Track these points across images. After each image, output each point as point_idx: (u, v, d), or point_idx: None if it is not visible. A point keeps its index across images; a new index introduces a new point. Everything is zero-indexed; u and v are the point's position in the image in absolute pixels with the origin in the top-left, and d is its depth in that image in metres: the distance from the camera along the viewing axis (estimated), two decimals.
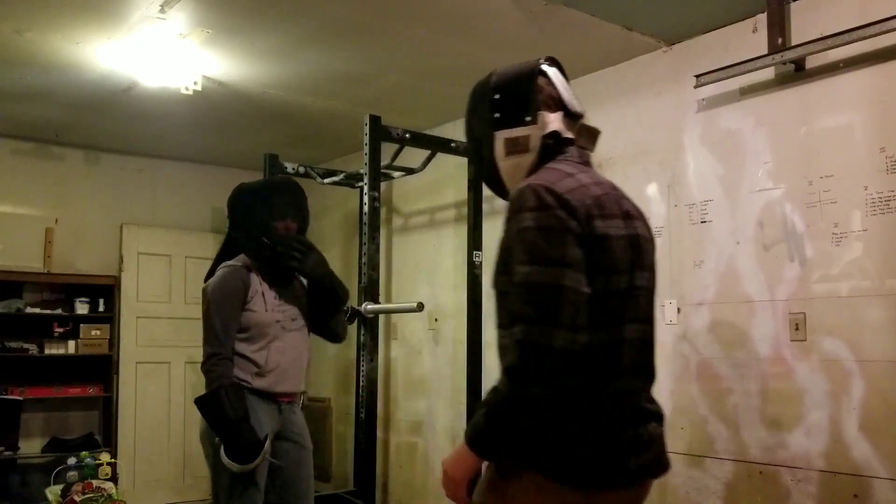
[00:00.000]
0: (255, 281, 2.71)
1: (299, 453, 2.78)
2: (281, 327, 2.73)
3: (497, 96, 1.72)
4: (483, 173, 1.81)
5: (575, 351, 1.43)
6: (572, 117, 1.70)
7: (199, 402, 2.57)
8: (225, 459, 2.52)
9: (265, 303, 2.71)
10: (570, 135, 1.68)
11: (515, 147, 1.67)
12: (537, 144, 1.66)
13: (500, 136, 1.69)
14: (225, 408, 2.50)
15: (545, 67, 1.72)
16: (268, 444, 2.56)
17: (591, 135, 1.74)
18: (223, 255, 2.83)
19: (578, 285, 1.45)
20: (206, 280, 2.78)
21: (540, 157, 1.66)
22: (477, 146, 1.78)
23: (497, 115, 1.70)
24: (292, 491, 2.72)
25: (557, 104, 1.69)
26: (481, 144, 1.75)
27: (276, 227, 2.72)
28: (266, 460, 2.56)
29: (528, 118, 1.67)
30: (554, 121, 1.67)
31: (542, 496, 1.49)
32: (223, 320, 2.62)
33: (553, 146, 1.66)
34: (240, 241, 2.78)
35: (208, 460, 2.68)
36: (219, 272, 2.72)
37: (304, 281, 2.89)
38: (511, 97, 1.70)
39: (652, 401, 1.68)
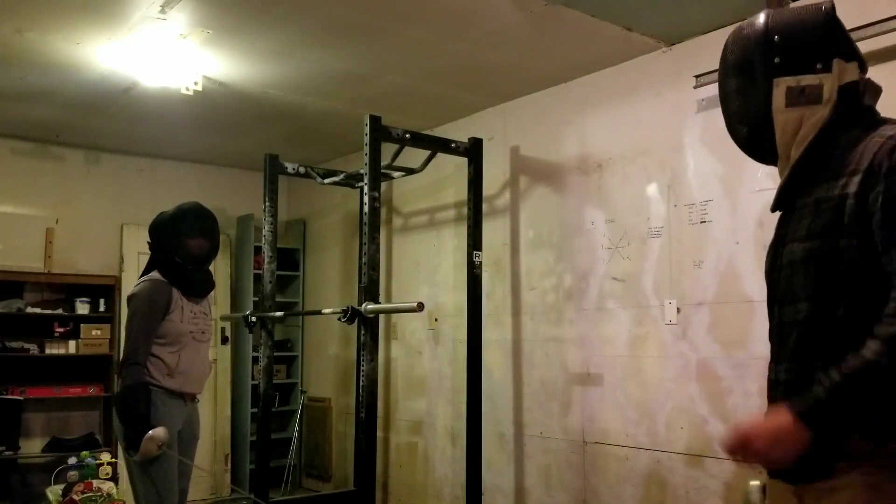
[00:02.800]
0: (177, 295, 3.10)
1: (191, 441, 3.22)
2: (192, 337, 3.14)
3: (777, 38, 1.49)
4: (742, 128, 1.56)
5: None
6: (862, 70, 1.50)
7: (114, 398, 3.03)
8: (122, 449, 2.94)
9: (182, 314, 3.11)
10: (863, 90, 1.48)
11: (802, 97, 1.45)
12: (833, 96, 1.44)
13: (782, 84, 1.47)
14: (133, 403, 2.90)
15: (832, 10, 1.50)
16: (159, 433, 2.87)
17: (876, 91, 1.53)
18: (144, 275, 3.21)
19: None
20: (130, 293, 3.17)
21: (836, 111, 1.44)
22: (740, 94, 1.54)
23: (777, 59, 1.48)
24: (179, 469, 3.11)
25: (852, 52, 1.49)
26: (749, 92, 1.52)
27: (189, 246, 3.13)
28: (166, 453, 2.92)
29: (820, 65, 1.45)
30: (851, 70, 1.46)
31: None
32: (144, 329, 3.01)
33: (854, 98, 1.46)
34: (157, 262, 3.16)
35: (128, 458, 3.01)
36: (144, 284, 3.10)
37: (212, 301, 3.39)
38: (797, 39, 1.48)
39: None
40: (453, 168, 4.78)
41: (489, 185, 4.51)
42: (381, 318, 5.01)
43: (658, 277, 3.67)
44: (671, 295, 3.59)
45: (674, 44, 3.68)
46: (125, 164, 5.95)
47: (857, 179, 1.35)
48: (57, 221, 5.63)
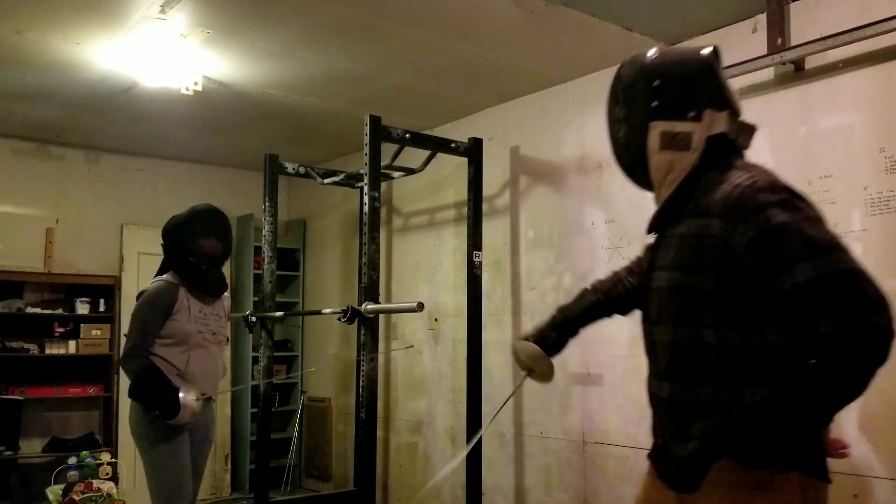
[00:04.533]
0: (183, 296, 3.13)
1: (204, 443, 3.26)
2: (203, 338, 3.16)
3: (657, 82, 1.59)
4: (625, 160, 1.68)
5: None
6: (734, 116, 1.60)
7: (130, 390, 3.03)
8: (167, 422, 2.96)
9: (189, 315, 3.13)
10: (732, 136, 1.59)
11: (674, 143, 1.56)
12: (701, 145, 1.55)
13: (658, 128, 1.57)
14: (146, 385, 2.97)
15: (712, 61, 1.59)
16: (189, 395, 2.95)
17: (750, 134, 1.64)
18: (159, 274, 3.27)
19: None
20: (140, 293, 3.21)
21: (702, 158, 1.55)
22: (622, 130, 1.65)
23: (655, 103, 1.58)
24: (193, 469, 3.16)
25: (724, 102, 1.58)
26: (630, 130, 1.63)
27: (202, 245, 3.17)
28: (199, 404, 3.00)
29: (693, 113, 1.55)
30: (721, 121, 1.57)
31: (808, 495, 1.43)
32: (144, 326, 3.05)
33: (719, 149, 1.56)
34: (172, 262, 3.21)
35: (144, 454, 3.07)
36: (154, 284, 3.16)
37: (228, 304, 3.43)
38: (673, 86, 1.57)
39: None
40: (453, 168, 4.78)
41: (489, 185, 4.51)
42: (381, 317, 5.01)
43: None
44: None
45: (674, 44, 3.67)
46: (125, 164, 5.95)
47: (716, 223, 1.46)
48: (57, 221, 5.63)
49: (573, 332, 1.98)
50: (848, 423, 2.92)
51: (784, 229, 1.38)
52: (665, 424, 1.59)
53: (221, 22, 3.47)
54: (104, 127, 5.21)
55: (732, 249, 1.43)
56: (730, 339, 1.45)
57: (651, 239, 1.73)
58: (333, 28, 3.56)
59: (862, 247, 2.93)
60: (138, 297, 3.16)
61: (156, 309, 3.07)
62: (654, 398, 1.63)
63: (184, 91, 4.00)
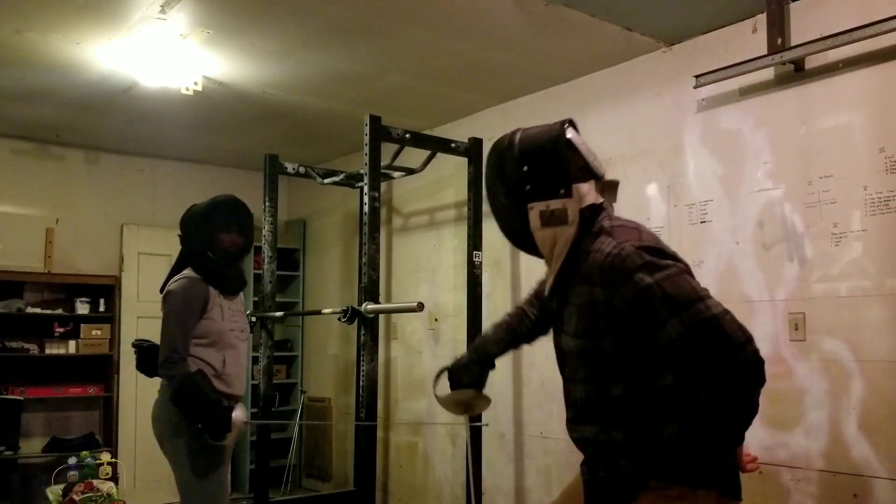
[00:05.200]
0: (213, 293, 2.96)
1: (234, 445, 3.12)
2: (234, 336, 3.02)
3: (526, 168, 1.71)
4: (513, 238, 1.81)
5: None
6: (597, 179, 1.75)
7: (174, 397, 2.80)
8: (209, 440, 2.78)
9: (222, 312, 2.98)
10: (601, 200, 1.74)
11: (552, 220, 1.69)
12: (576, 217, 1.68)
13: (535, 208, 1.70)
14: (194, 396, 2.76)
15: (570, 135, 1.73)
16: (240, 413, 2.81)
17: (613, 189, 1.80)
18: (175, 271, 3.05)
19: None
20: (162, 290, 3.02)
21: (580, 228, 1.69)
22: (504, 213, 1.78)
23: (528, 187, 1.71)
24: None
25: (587, 172, 1.73)
26: (510, 213, 1.75)
27: (223, 241, 3.00)
28: (243, 429, 2.87)
29: (563, 190, 1.69)
30: (589, 192, 1.72)
31: None
32: (183, 326, 2.87)
33: (592, 216, 1.70)
34: (189, 258, 3.01)
35: (173, 456, 2.90)
36: (181, 281, 2.94)
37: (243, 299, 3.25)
38: (542, 169, 1.71)
39: None
40: (453, 168, 4.78)
41: None
42: (381, 318, 5.00)
43: None
44: None
45: (674, 44, 3.68)
46: (125, 164, 5.95)
47: (598, 291, 1.62)
48: (57, 221, 5.63)
49: (492, 366, 2.14)
50: (848, 423, 2.92)
51: (651, 291, 1.55)
52: (590, 459, 1.75)
53: (221, 22, 3.47)
54: (104, 127, 5.21)
55: (618, 313, 1.60)
56: (634, 388, 1.63)
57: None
58: (333, 28, 3.56)
59: (862, 247, 2.93)
60: (164, 298, 2.95)
61: (193, 308, 2.89)
62: (579, 442, 1.78)
63: (184, 91, 4.00)
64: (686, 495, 1.60)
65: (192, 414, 2.78)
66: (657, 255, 1.60)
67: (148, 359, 3.11)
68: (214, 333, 2.93)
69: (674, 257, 1.63)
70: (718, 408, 1.55)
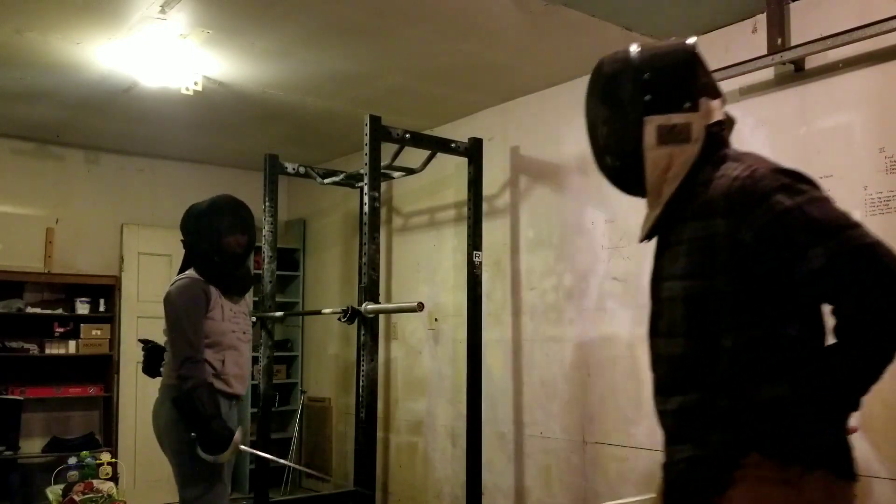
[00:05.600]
0: (215, 294, 2.95)
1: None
2: (236, 337, 3.00)
3: (647, 76, 1.52)
4: (608, 161, 1.61)
5: None
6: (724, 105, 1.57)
7: (177, 401, 2.79)
8: (200, 453, 2.75)
9: (223, 313, 2.96)
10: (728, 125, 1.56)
11: (672, 136, 1.50)
12: (701, 135, 1.49)
13: (653, 122, 1.50)
14: (203, 405, 2.74)
15: (697, 49, 1.56)
16: (238, 436, 2.80)
17: (731, 126, 1.60)
18: (181, 270, 3.05)
19: None
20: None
21: (704, 149, 1.49)
22: (609, 131, 1.58)
23: (648, 97, 1.51)
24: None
25: (716, 90, 1.55)
26: (620, 129, 1.56)
27: (227, 243, 2.98)
28: (236, 452, 2.81)
29: (688, 104, 1.50)
30: (717, 109, 1.53)
31: (834, 493, 1.40)
32: (194, 326, 2.85)
33: (718, 137, 1.52)
34: (194, 260, 3.00)
35: (174, 457, 2.91)
36: (182, 282, 2.95)
37: (250, 300, 3.26)
38: (667, 78, 1.52)
39: None
40: (453, 168, 4.78)
41: (489, 185, 4.51)
42: (381, 318, 5.00)
43: None
44: None
45: None
46: (125, 164, 5.95)
47: (721, 222, 1.41)
48: (57, 221, 5.63)
49: None
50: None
51: (790, 215, 1.34)
52: (671, 438, 1.54)
53: (221, 22, 3.47)
54: (104, 127, 5.21)
55: (743, 245, 1.38)
56: (749, 339, 1.40)
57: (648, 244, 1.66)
58: (333, 28, 3.56)
59: None
60: (166, 299, 2.93)
61: (198, 307, 2.88)
62: (662, 414, 1.57)
63: (184, 91, 4.00)
64: (792, 478, 1.36)
65: (191, 421, 2.78)
66: (797, 178, 1.40)
67: (153, 359, 3.13)
68: (215, 334, 2.91)
69: (815, 184, 1.41)
70: (854, 357, 1.34)
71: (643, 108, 1.52)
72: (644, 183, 1.56)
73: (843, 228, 1.33)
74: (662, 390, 1.56)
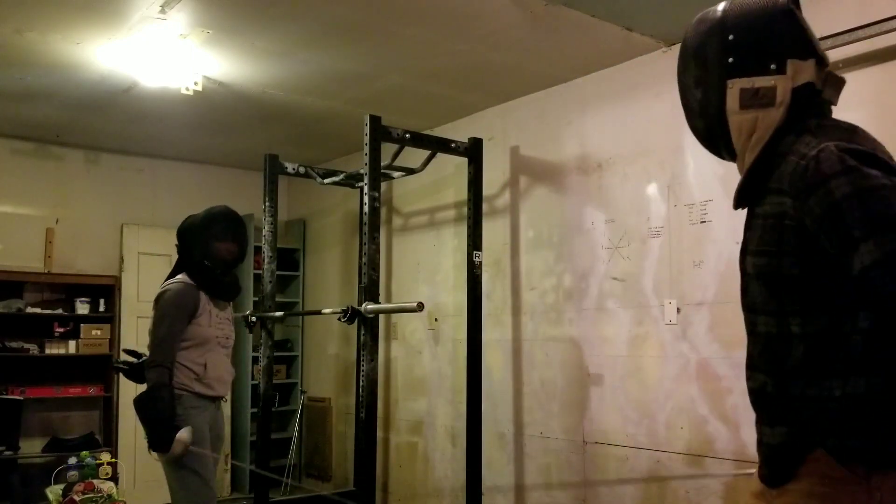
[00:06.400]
0: (204, 300, 3.12)
1: (216, 441, 3.25)
2: (218, 342, 3.15)
3: (731, 37, 1.46)
4: (699, 125, 1.56)
5: None
6: (821, 65, 1.48)
7: (136, 400, 2.96)
8: (149, 451, 2.95)
9: (210, 319, 3.12)
10: (819, 87, 1.47)
11: (756, 99, 1.43)
12: (786, 98, 1.42)
13: (736, 85, 1.45)
14: (159, 404, 2.91)
15: (791, 6, 1.47)
16: (185, 435, 2.90)
17: (838, 85, 1.51)
18: (171, 277, 3.21)
19: None
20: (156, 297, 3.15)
21: (788, 113, 1.42)
22: (697, 95, 1.53)
23: (731, 59, 1.45)
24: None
25: (808, 50, 1.46)
26: (705, 93, 1.51)
27: (219, 249, 3.16)
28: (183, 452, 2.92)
29: (774, 66, 1.43)
30: (807, 70, 1.44)
31: None
32: (170, 332, 3.01)
33: (807, 101, 1.44)
34: (185, 265, 3.17)
35: (167, 464, 3.00)
36: (174, 286, 3.10)
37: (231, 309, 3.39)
38: (752, 39, 1.45)
39: None
40: (453, 168, 4.78)
41: (489, 185, 4.51)
42: (381, 318, 5.01)
43: (658, 277, 3.67)
44: (671, 295, 3.59)
45: (674, 44, 3.68)
46: (125, 164, 5.95)
47: (789, 202, 1.36)
48: (57, 221, 5.63)
49: None
50: None
51: (847, 203, 1.26)
52: (761, 418, 1.48)
53: (221, 22, 3.47)
54: (104, 127, 5.21)
55: (806, 230, 1.33)
56: (817, 328, 1.35)
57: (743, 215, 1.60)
58: (333, 28, 3.56)
59: None
60: (157, 300, 3.11)
61: (182, 312, 3.05)
62: (751, 392, 1.52)
63: (184, 91, 4.00)
64: (855, 480, 1.29)
65: (144, 419, 2.93)
66: (866, 161, 1.30)
67: (138, 373, 3.21)
68: (199, 338, 3.07)
69: (889, 167, 1.32)
70: None
71: (727, 70, 1.46)
72: (733, 146, 1.51)
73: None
74: (749, 366, 1.51)
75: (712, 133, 1.53)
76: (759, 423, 1.48)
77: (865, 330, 1.32)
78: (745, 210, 1.56)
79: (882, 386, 1.30)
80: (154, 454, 2.96)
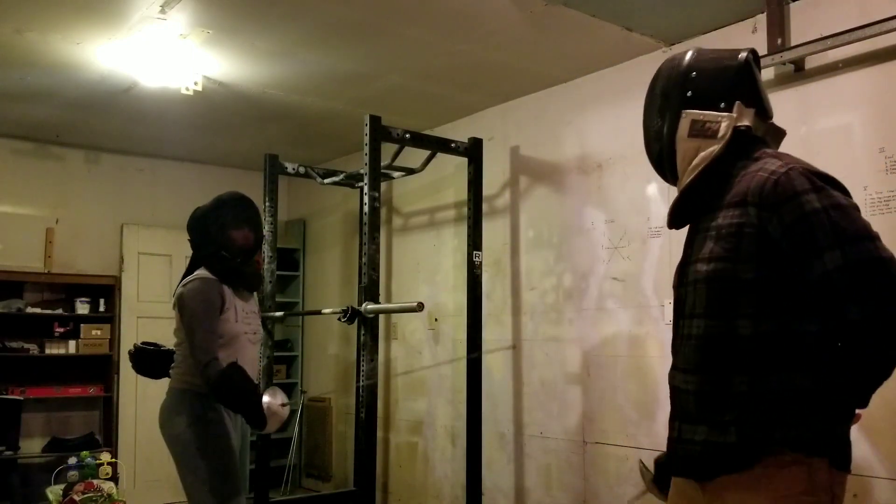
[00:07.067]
0: (229, 293, 2.90)
1: (241, 441, 3.07)
2: (247, 339, 2.96)
3: (694, 74, 1.68)
4: (654, 149, 1.75)
5: None
6: (763, 118, 1.68)
7: (216, 394, 2.77)
8: (250, 430, 2.84)
9: (236, 314, 2.92)
10: (758, 134, 1.66)
11: (702, 130, 1.63)
12: (727, 134, 1.61)
13: (688, 116, 1.65)
14: (238, 384, 2.73)
15: (749, 60, 1.68)
16: (273, 399, 2.78)
17: (778, 136, 1.72)
18: (188, 273, 2.98)
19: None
20: (174, 294, 2.95)
21: (727, 148, 1.60)
22: (656, 120, 1.73)
23: (689, 92, 1.66)
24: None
25: (754, 100, 1.66)
26: (663, 120, 1.70)
27: (235, 238, 2.95)
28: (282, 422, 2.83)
29: (723, 104, 1.63)
30: (748, 115, 1.63)
31: (834, 480, 1.50)
32: (209, 327, 2.80)
33: (743, 140, 1.62)
34: (202, 259, 2.95)
35: (182, 459, 2.84)
36: (195, 283, 2.87)
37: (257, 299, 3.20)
38: (709, 78, 1.66)
39: None
40: (453, 168, 4.78)
41: (489, 185, 4.51)
42: (381, 318, 5.01)
43: (658, 277, 3.67)
44: (671, 295, 3.58)
45: (674, 44, 3.68)
46: (125, 164, 5.95)
47: (753, 211, 1.51)
48: (57, 221, 5.63)
49: None
50: None
51: (816, 216, 1.43)
52: (686, 416, 1.61)
53: (221, 22, 3.47)
54: (104, 127, 5.21)
55: (769, 237, 1.48)
56: (766, 329, 1.49)
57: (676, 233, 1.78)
58: (333, 28, 3.57)
59: None
60: (180, 301, 2.87)
61: (212, 307, 2.82)
62: (677, 391, 1.65)
63: (184, 91, 4.00)
64: (799, 461, 1.46)
65: (234, 406, 2.81)
66: (830, 183, 1.50)
67: (153, 362, 3.11)
68: (228, 335, 2.86)
69: (847, 193, 1.51)
70: (857, 360, 1.44)
71: (684, 102, 1.66)
72: (676, 171, 1.70)
73: (863, 238, 1.42)
74: (682, 368, 1.64)
75: (662, 156, 1.72)
76: (682, 420, 1.62)
77: (813, 333, 1.48)
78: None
79: (826, 383, 1.46)
80: (257, 431, 2.84)
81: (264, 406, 2.73)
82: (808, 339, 1.48)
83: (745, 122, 1.62)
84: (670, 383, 1.69)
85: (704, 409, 1.55)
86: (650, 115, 1.76)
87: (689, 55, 1.72)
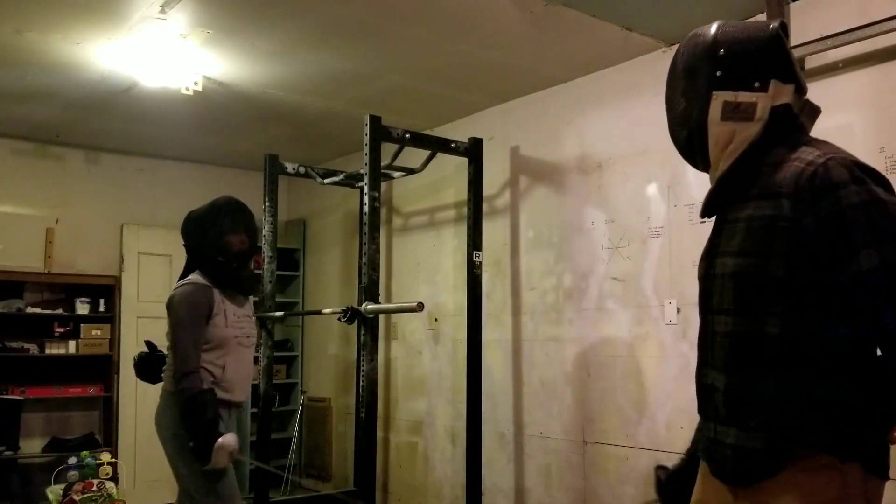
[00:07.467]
0: (219, 299, 2.90)
1: (240, 442, 2.98)
2: (238, 343, 2.94)
3: (722, 52, 1.55)
4: (680, 134, 1.63)
5: None
6: (799, 92, 1.55)
7: (182, 412, 2.75)
8: (194, 462, 2.73)
9: (226, 319, 2.90)
10: (796, 111, 1.54)
11: (737, 113, 1.51)
12: (765, 115, 1.50)
13: (719, 98, 1.53)
14: (199, 411, 2.71)
15: (779, 32, 1.55)
16: (229, 440, 2.72)
17: (814, 114, 1.59)
18: (183, 277, 3.00)
19: None
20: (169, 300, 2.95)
21: (765, 130, 1.50)
22: (682, 103, 1.61)
23: (719, 73, 1.54)
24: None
25: (790, 75, 1.53)
26: (690, 102, 1.58)
27: (232, 243, 2.93)
28: (230, 459, 2.76)
29: (758, 84, 1.51)
30: (787, 93, 1.52)
31: (869, 487, 1.42)
32: (193, 336, 2.81)
33: (784, 120, 1.51)
34: (198, 264, 2.96)
35: (178, 460, 2.84)
36: (184, 288, 2.89)
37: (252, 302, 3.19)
38: (740, 56, 1.53)
39: None
40: (453, 168, 4.78)
41: (489, 185, 4.51)
42: (381, 318, 5.01)
43: (658, 277, 3.67)
44: (671, 295, 3.59)
45: (674, 44, 3.68)
46: (125, 164, 5.95)
47: (787, 204, 1.41)
48: (57, 221, 5.63)
49: None
50: None
51: (853, 212, 1.34)
52: (718, 417, 1.54)
53: (221, 22, 3.47)
54: (104, 127, 5.21)
55: (804, 232, 1.38)
56: (797, 331, 1.40)
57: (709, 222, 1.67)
58: (333, 28, 3.57)
59: None
60: (168, 305, 2.89)
61: (199, 315, 2.83)
62: (706, 389, 1.58)
63: (184, 91, 4.00)
64: (833, 465, 1.37)
65: (188, 429, 2.75)
66: (872, 176, 1.39)
67: (148, 367, 3.11)
68: (217, 340, 2.86)
69: (890, 188, 1.39)
70: (892, 370, 1.33)
71: (713, 83, 1.54)
72: (709, 157, 1.58)
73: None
74: (710, 364, 1.57)
75: (692, 142, 1.60)
76: (715, 420, 1.54)
77: (845, 336, 1.39)
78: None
79: (860, 389, 1.37)
80: (196, 466, 2.73)
81: (217, 444, 2.68)
82: (839, 344, 1.39)
83: (784, 100, 1.51)
84: (699, 381, 1.62)
85: (733, 411, 1.49)
86: (674, 98, 1.64)
87: (713, 29, 1.59)
